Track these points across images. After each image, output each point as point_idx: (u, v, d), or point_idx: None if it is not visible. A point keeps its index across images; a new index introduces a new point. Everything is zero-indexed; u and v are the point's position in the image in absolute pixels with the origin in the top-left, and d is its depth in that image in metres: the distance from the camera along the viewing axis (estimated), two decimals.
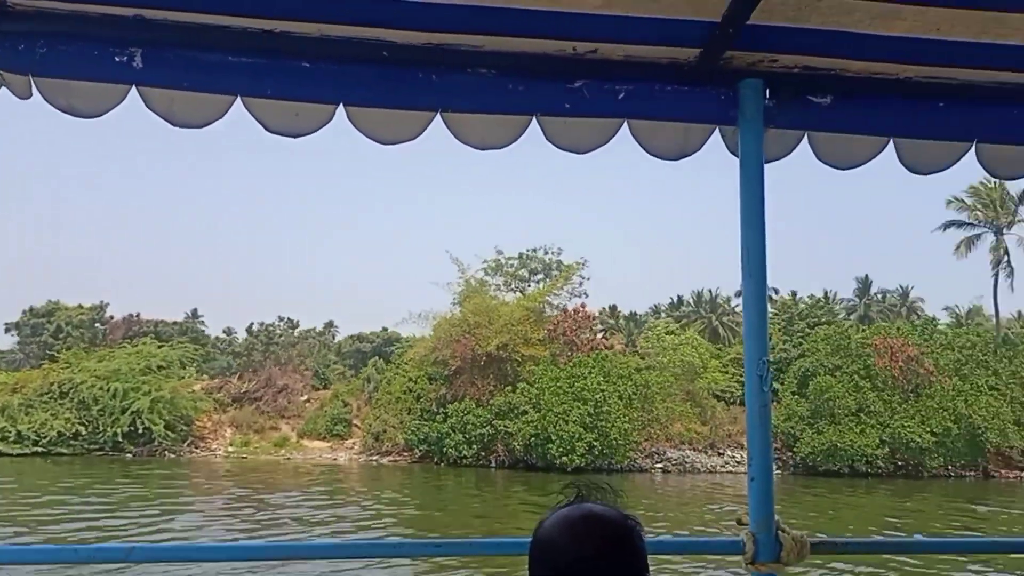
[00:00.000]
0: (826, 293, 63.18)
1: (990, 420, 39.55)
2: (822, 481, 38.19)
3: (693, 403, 42.65)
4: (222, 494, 29.68)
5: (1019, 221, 49.92)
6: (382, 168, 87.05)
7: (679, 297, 65.84)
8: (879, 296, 64.33)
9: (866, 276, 62.25)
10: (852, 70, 2.50)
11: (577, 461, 37.16)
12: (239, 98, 2.30)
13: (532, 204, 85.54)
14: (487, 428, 39.01)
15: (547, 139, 2.46)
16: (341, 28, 2.25)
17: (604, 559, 1.23)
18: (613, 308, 63.84)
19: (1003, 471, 41.86)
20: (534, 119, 2.44)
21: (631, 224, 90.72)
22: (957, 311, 62.60)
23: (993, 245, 49.58)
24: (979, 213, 49.66)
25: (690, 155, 2.58)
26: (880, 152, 2.62)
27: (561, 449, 37.17)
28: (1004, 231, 49.69)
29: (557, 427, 37.41)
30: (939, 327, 47.11)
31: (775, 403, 40.52)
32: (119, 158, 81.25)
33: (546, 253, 48.31)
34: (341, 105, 2.34)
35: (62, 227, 77.88)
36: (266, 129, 2.34)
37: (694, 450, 41.49)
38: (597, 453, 37.72)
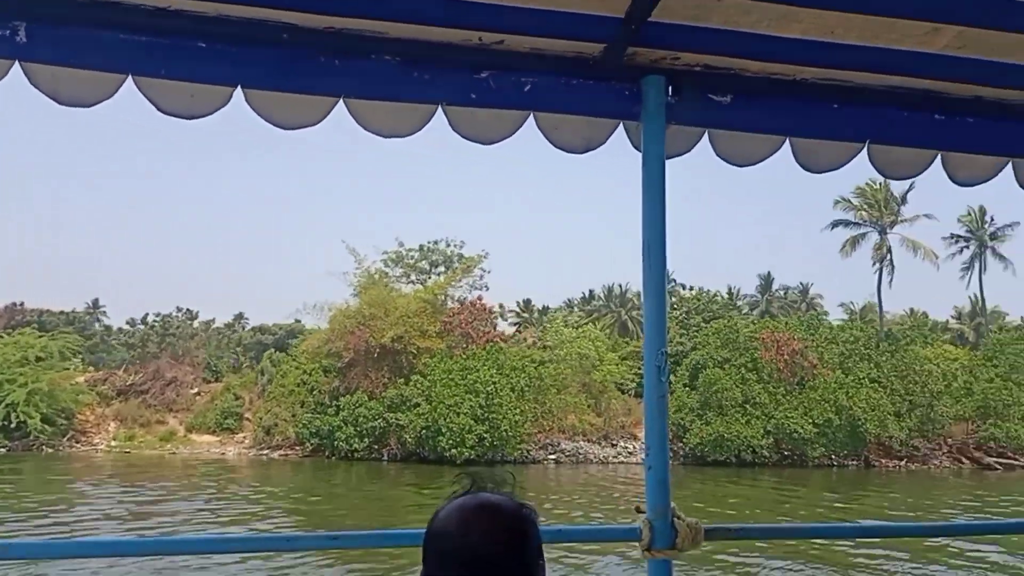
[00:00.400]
0: (730, 289, 64.86)
1: (870, 411, 41.28)
2: (710, 471, 39.13)
3: (589, 395, 43.14)
4: (84, 488, 28.42)
5: (902, 221, 52.35)
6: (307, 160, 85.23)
7: (590, 292, 66.51)
8: (781, 292, 66.38)
9: (768, 273, 64.23)
10: (751, 70, 2.57)
11: (467, 453, 37.21)
12: (130, 77, 2.21)
13: (452, 196, 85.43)
14: (379, 421, 38.70)
15: (453, 129, 2.45)
16: (239, 8, 2.19)
17: (498, 548, 1.23)
18: (527, 302, 64.13)
19: (884, 460, 43.72)
20: (440, 108, 2.42)
21: (549, 219, 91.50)
22: (852, 307, 65.09)
23: (877, 244, 51.83)
24: (864, 213, 51.80)
25: (595, 148, 2.61)
26: (777, 150, 2.70)
27: (451, 441, 37.10)
28: (888, 230, 51.97)
29: (448, 419, 37.32)
30: (824, 322, 48.87)
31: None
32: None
33: (448, 245, 48.13)
34: (239, 87, 2.28)
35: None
36: (159, 110, 2.25)
37: (588, 441, 42.01)
38: (488, 445, 37.81)
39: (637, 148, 2.56)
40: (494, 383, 38.01)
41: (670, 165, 2.59)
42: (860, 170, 2.81)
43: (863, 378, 42.33)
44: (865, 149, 2.74)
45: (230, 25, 2.22)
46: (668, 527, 2.43)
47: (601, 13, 2.25)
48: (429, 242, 48.24)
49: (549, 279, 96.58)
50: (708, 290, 57.09)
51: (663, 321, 2.53)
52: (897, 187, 50.15)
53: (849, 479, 38.51)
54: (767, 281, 65.53)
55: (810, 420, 40.53)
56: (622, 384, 44.31)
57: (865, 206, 51.71)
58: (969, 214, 61.49)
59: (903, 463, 43.66)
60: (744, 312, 60.68)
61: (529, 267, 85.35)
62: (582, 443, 41.71)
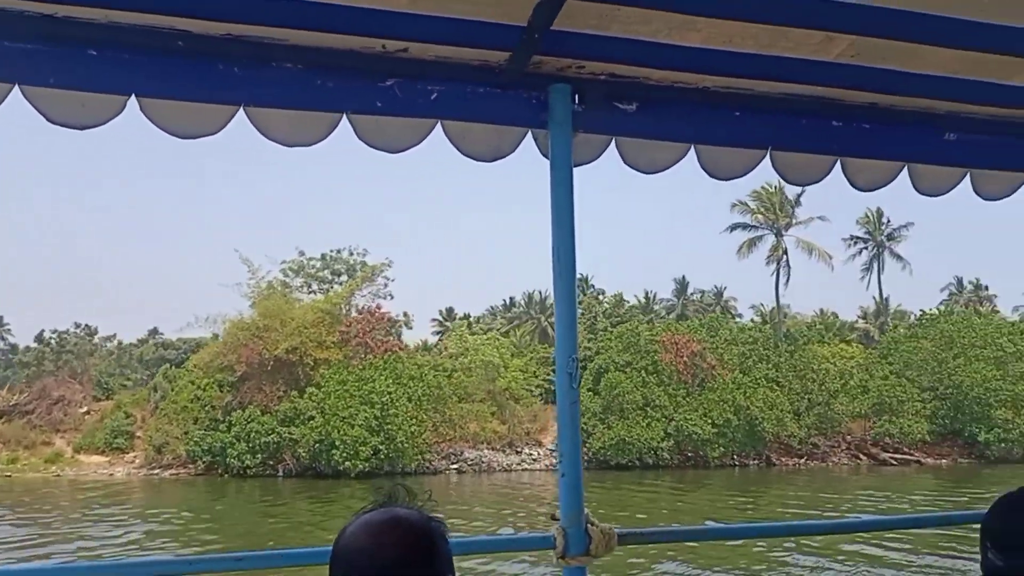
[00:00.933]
0: (647, 293, 65.62)
1: (767, 411, 42.09)
2: (613, 475, 39.24)
3: (494, 402, 42.87)
4: None
5: (797, 223, 53.83)
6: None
7: (511, 299, 66.43)
8: (696, 296, 67.46)
9: (683, 277, 65.39)
10: (654, 78, 2.60)
11: (361, 466, 36.41)
12: (17, 87, 2.12)
13: (373, 203, 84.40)
14: (272, 436, 37.55)
15: (359, 138, 2.42)
16: (131, 15, 2.11)
17: (406, 563, 1.22)
18: (450, 310, 63.81)
19: (784, 459, 44.58)
20: (344, 117, 2.39)
21: (475, 225, 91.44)
22: (762, 309, 66.52)
23: (773, 245, 53.21)
24: (761, 216, 53.09)
25: (504, 157, 2.61)
26: (683, 158, 2.74)
27: (345, 454, 36.30)
28: (783, 233, 53.35)
29: (342, 432, 36.45)
30: (725, 324, 49.71)
31: None
32: None
33: (351, 254, 47.30)
34: (133, 96, 2.21)
35: None
36: (49, 120, 2.17)
37: (492, 449, 41.74)
38: (383, 457, 37.11)
39: (545, 156, 2.57)
40: (390, 394, 37.33)
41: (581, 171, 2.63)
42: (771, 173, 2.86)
43: (760, 378, 43.17)
44: (768, 155, 2.82)
45: (122, 32, 2.15)
46: (582, 534, 2.45)
47: (504, 22, 2.24)
48: (331, 251, 47.47)
49: (476, 287, 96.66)
50: (621, 294, 57.84)
51: (574, 327, 2.54)
52: (792, 190, 51.60)
53: (751, 478, 39.14)
54: (682, 285, 66.55)
55: (709, 421, 41.14)
56: (529, 390, 44.19)
57: (761, 209, 53.00)
58: (867, 216, 63.70)
59: (803, 461, 44.62)
60: (661, 316, 61.41)
61: (456, 275, 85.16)
62: (486, 451, 41.39)
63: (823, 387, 45.10)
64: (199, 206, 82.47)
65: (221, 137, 2.37)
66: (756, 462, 44.27)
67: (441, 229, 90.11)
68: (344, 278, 46.15)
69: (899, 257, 63.97)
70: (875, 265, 64.69)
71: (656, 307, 65.08)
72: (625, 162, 2.69)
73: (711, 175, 2.78)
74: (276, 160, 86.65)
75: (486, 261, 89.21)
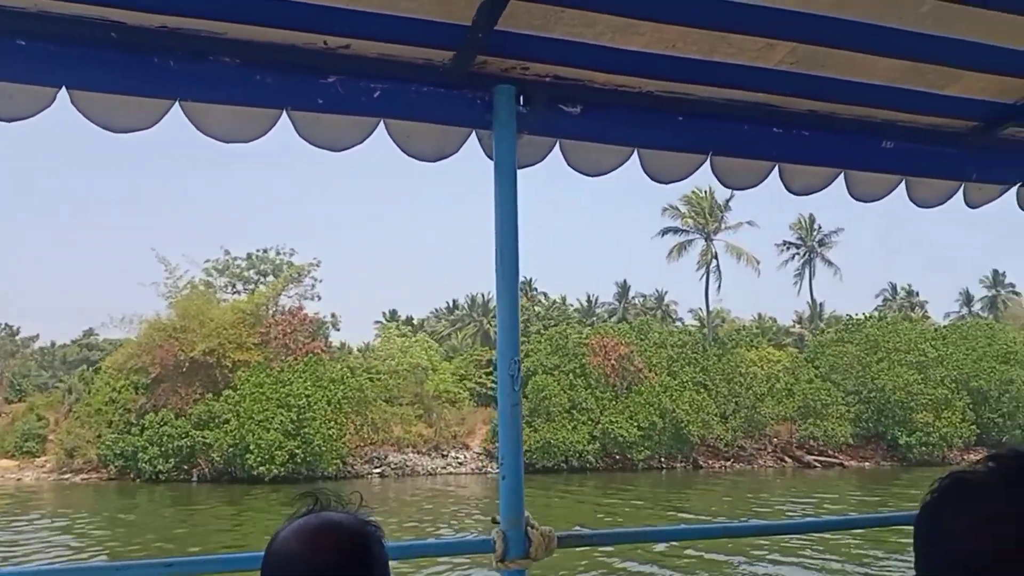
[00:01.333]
0: (589, 297, 65.80)
1: (693, 414, 42.33)
2: (540, 479, 39.02)
3: (421, 405, 42.39)
4: None
5: (726, 228, 54.49)
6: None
7: (454, 301, 66.05)
8: (637, 300, 67.85)
9: (624, 281, 65.65)
10: (598, 82, 2.60)
11: (276, 471, 35.46)
12: None
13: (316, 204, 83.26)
14: (185, 440, 36.42)
15: (299, 135, 2.37)
16: (62, 5, 2.05)
17: (341, 568, 1.20)
18: (394, 312, 63.35)
19: (711, 462, 44.92)
20: (284, 113, 2.35)
21: (426, 227, 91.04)
22: (700, 313, 67.19)
23: (703, 250, 53.78)
24: (691, 220, 53.63)
25: (448, 157, 2.58)
26: (626, 161, 2.74)
27: (260, 458, 35.30)
28: (713, 237, 53.97)
29: (256, 436, 35.51)
30: (655, 327, 50.01)
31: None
32: None
33: (278, 254, 46.33)
34: (64, 88, 2.14)
35: None
36: None
37: (418, 453, 41.21)
38: (299, 461, 36.22)
39: (489, 157, 2.55)
40: (307, 396, 36.53)
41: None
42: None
43: (687, 381, 43.44)
44: (708, 160, 2.83)
45: (52, 23, 2.08)
46: (522, 536, 2.43)
47: (448, 20, 2.22)
48: (258, 250, 46.42)
49: (425, 288, 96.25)
50: (564, 297, 57.99)
51: (516, 330, 2.52)
52: (722, 194, 52.25)
53: (677, 481, 39.32)
54: (624, 289, 66.88)
55: (635, 424, 41.20)
56: (457, 392, 43.82)
57: (691, 213, 53.52)
58: (799, 222, 64.79)
59: (730, 463, 44.99)
60: (603, 320, 61.62)
61: (404, 277, 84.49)
62: (411, 455, 40.86)
63: (750, 391, 45.56)
64: (138, 204, 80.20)
65: (161, 135, 2.32)
66: (683, 465, 44.53)
67: (390, 230, 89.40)
68: (271, 278, 45.19)
69: (830, 263, 65.20)
70: (807, 270, 65.82)
71: (598, 311, 65.33)
72: (569, 164, 2.69)
73: (653, 179, 2.79)
74: (207, 156, 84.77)
75: (434, 262, 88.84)
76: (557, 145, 2.68)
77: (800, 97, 2.79)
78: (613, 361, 42.39)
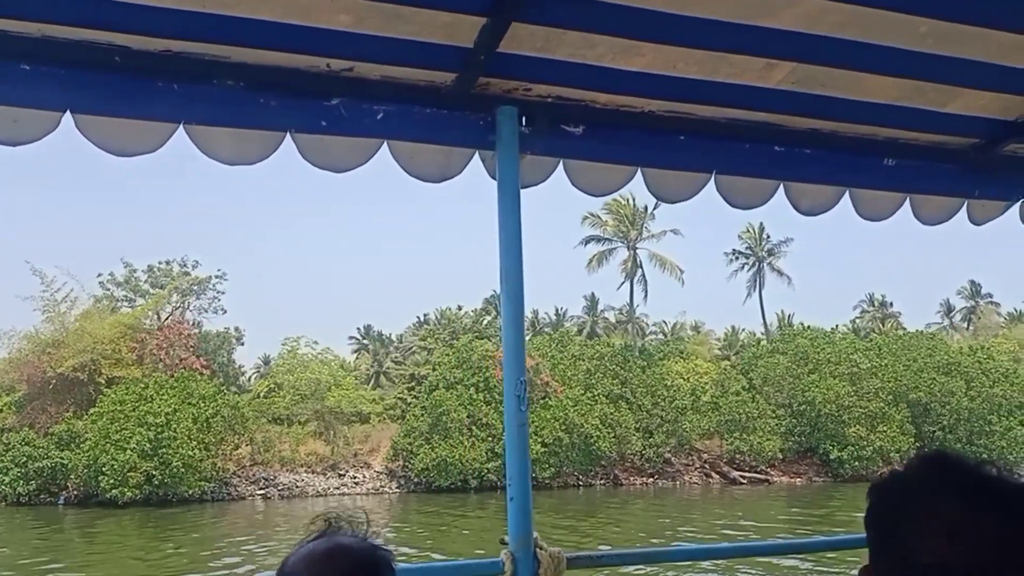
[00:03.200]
0: (557, 310, 64.47)
1: (605, 429, 40.31)
2: (437, 499, 37.14)
3: (321, 422, 40.46)
4: None
5: (649, 236, 52.72)
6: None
7: (424, 316, 64.86)
8: (607, 312, 66.71)
9: (592, 294, 64.32)
10: (600, 102, 2.63)
11: (131, 493, 32.96)
12: None
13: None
14: (46, 461, 34.34)
15: (303, 156, 2.39)
16: (66, 29, 2.07)
17: None
18: (368, 328, 62.71)
19: (632, 478, 43.00)
20: (288, 136, 2.36)
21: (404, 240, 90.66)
22: (664, 324, 65.83)
23: (626, 259, 52.02)
24: (611, 228, 51.85)
25: (451, 178, 2.60)
26: (630, 180, 2.77)
27: (113, 481, 33.04)
28: (636, 245, 52.17)
29: (111, 456, 33.30)
30: (576, 339, 48.21)
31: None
32: None
33: (181, 266, 44.55)
34: (68, 112, 2.15)
35: None
36: None
37: (313, 473, 39.12)
38: (157, 483, 33.71)
39: (493, 177, 2.55)
40: (167, 415, 34.29)
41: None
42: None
43: (598, 395, 41.39)
44: (712, 179, 2.83)
45: (57, 47, 2.10)
46: (530, 558, 2.42)
47: (450, 43, 2.24)
48: (160, 263, 44.64)
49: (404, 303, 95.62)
50: (536, 311, 56.42)
51: (522, 350, 2.51)
52: (646, 202, 50.60)
53: (587, 500, 37.23)
54: (593, 302, 65.53)
55: (539, 440, 39.06)
56: (358, 409, 41.92)
57: (613, 222, 51.77)
58: (748, 231, 63.10)
59: (652, 480, 43.08)
60: (572, 333, 60.43)
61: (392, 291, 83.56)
62: (304, 475, 38.79)
63: (672, 404, 43.71)
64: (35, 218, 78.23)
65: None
66: (603, 482, 42.61)
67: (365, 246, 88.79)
68: (169, 291, 43.37)
69: (780, 272, 63.50)
70: (757, 280, 64.11)
71: (567, 323, 64.10)
72: (573, 184, 2.70)
73: (658, 198, 2.84)
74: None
75: (411, 278, 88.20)
76: (560, 165, 2.67)
77: (801, 116, 2.80)
78: None
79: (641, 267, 51.31)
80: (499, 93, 2.50)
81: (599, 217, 51.23)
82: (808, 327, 51.37)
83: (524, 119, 2.53)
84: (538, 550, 2.42)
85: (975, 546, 0.91)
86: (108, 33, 2.08)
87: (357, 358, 64.80)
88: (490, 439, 38.47)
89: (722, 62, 2.43)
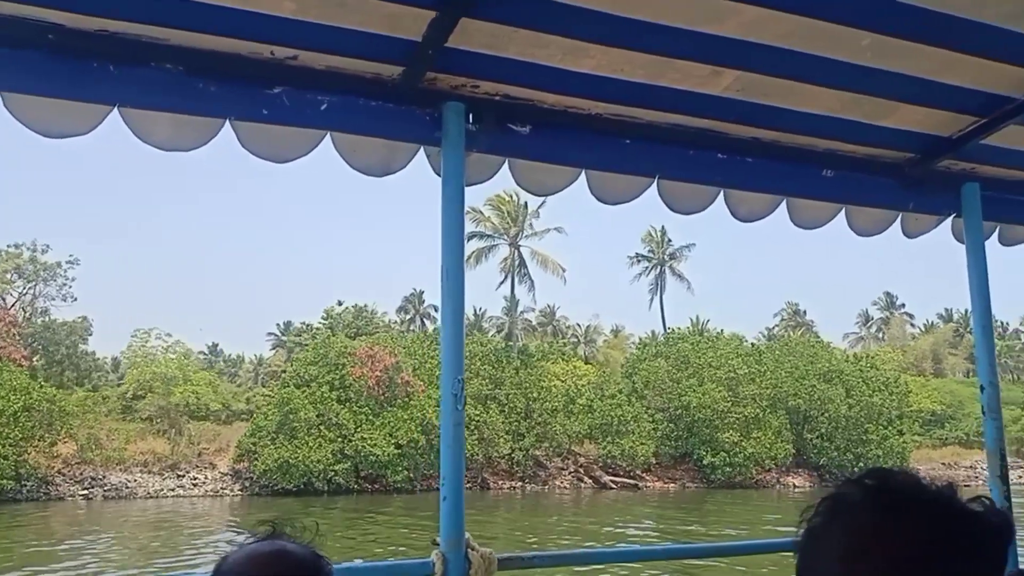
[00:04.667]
0: (475, 310, 63.26)
1: (467, 430, 38.85)
2: (281, 502, 35.28)
3: (166, 419, 38.27)
4: None
5: (532, 234, 51.58)
6: None
7: (327, 311, 63.29)
8: (525, 315, 65.89)
9: (513, 294, 63.18)
10: (548, 102, 2.62)
11: None
12: None
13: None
14: None
15: (242, 145, 2.33)
16: None
17: None
18: (288, 324, 61.36)
19: (501, 482, 41.72)
20: (227, 123, 2.29)
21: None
22: (577, 328, 65.18)
23: (506, 256, 50.85)
24: (493, 224, 50.56)
25: (395, 172, 2.57)
26: (574, 181, 2.76)
27: None
28: (519, 242, 50.98)
29: None
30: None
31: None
32: None
33: (31, 250, 41.97)
34: None
35: None
36: None
37: (150, 473, 36.87)
38: None
39: (437, 173, 2.53)
40: None
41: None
42: None
43: (465, 395, 39.91)
44: (655, 183, 2.85)
45: None
46: (462, 559, 2.40)
47: (398, 35, 2.21)
48: (9, 246, 42.01)
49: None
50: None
51: (460, 348, 2.49)
52: (530, 200, 49.44)
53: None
54: (512, 302, 64.50)
55: (393, 441, 37.43)
56: (206, 405, 39.76)
57: (495, 218, 50.48)
58: (650, 235, 62.43)
59: (521, 484, 41.84)
60: (490, 334, 59.14)
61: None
62: (139, 475, 36.49)
63: (545, 406, 42.52)
64: None
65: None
66: (468, 486, 41.01)
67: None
68: (12, 276, 40.81)
69: (681, 276, 63.00)
70: (659, 283, 63.52)
71: (484, 324, 62.75)
72: (518, 184, 2.70)
73: (600, 200, 2.81)
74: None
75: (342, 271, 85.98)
76: (506, 164, 2.66)
77: (744, 124, 2.83)
78: (378, 372, 38.60)
79: (524, 264, 50.18)
80: (446, 89, 2.48)
81: (481, 213, 49.81)
82: (697, 331, 50.78)
83: (471, 116, 2.51)
84: (470, 551, 2.41)
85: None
86: (41, 9, 2.01)
87: (274, 355, 62.91)
88: (340, 439, 36.66)
89: (668, 67, 2.45)
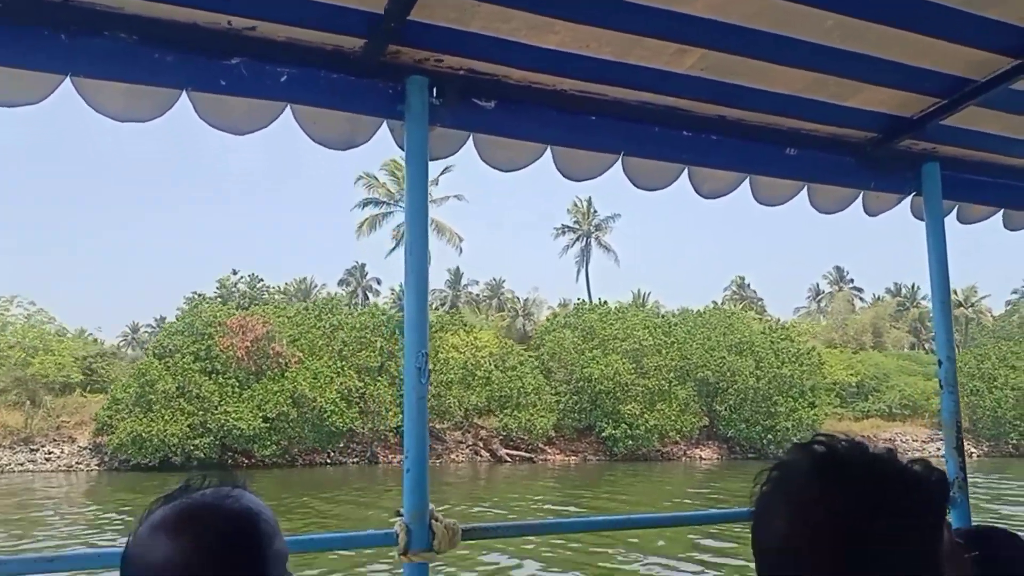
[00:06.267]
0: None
1: (343, 403, 37.00)
2: (133, 477, 33.21)
3: (23, 390, 36.13)
4: None
5: (432, 201, 49.61)
6: None
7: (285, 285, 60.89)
8: (470, 286, 64.22)
9: (457, 268, 61.44)
10: (513, 78, 2.59)
11: None
12: None
13: None
14: None
15: (200, 117, 2.28)
16: None
17: (211, 563, 1.00)
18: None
19: (393, 456, 40.06)
20: (184, 94, 2.23)
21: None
22: (517, 301, 63.78)
23: (399, 224, 48.99)
24: (384, 190, 48.38)
25: (358, 146, 2.54)
26: (539, 157, 2.74)
27: None
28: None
29: None
30: (342, 309, 44.70)
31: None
32: None
33: None
34: None
35: None
36: None
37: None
38: None
39: (401, 148, 2.50)
40: None
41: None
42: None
43: (344, 367, 37.99)
44: (620, 160, 2.83)
45: None
46: (425, 529, 2.39)
47: (360, 7, 2.17)
48: None
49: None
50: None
51: (424, 320, 2.48)
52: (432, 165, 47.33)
53: (319, 480, 33.63)
54: (456, 275, 62.39)
55: (262, 414, 35.46)
56: (75, 376, 37.61)
57: (390, 184, 48.34)
58: (576, 206, 60.56)
59: None
60: (434, 308, 57.22)
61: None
62: None
63: (440, 378, 40.66)
64: None
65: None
66: (355, 460, 39.50)
67: None
68: None
69: (607, 248, 61.26)
70: (585, 255, 61.78)
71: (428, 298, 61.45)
72: (482, 159, 2.67)
73: (566, 176, 2.78)
74: None
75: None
76: (470, 139, 2.63)
77: (709, 103, 2.82)
78: (248, 343, 36.53)
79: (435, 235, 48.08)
80: (410, 63, 2.44)
81: (376, 179, 47.59)
82: (603, 303, 49.11)
83: (435, 90, 2.47)
84: (433, 521, 2.40)
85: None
86: None
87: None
88: (201, 412, 34.68)
89: (635, 44, 2.43)
